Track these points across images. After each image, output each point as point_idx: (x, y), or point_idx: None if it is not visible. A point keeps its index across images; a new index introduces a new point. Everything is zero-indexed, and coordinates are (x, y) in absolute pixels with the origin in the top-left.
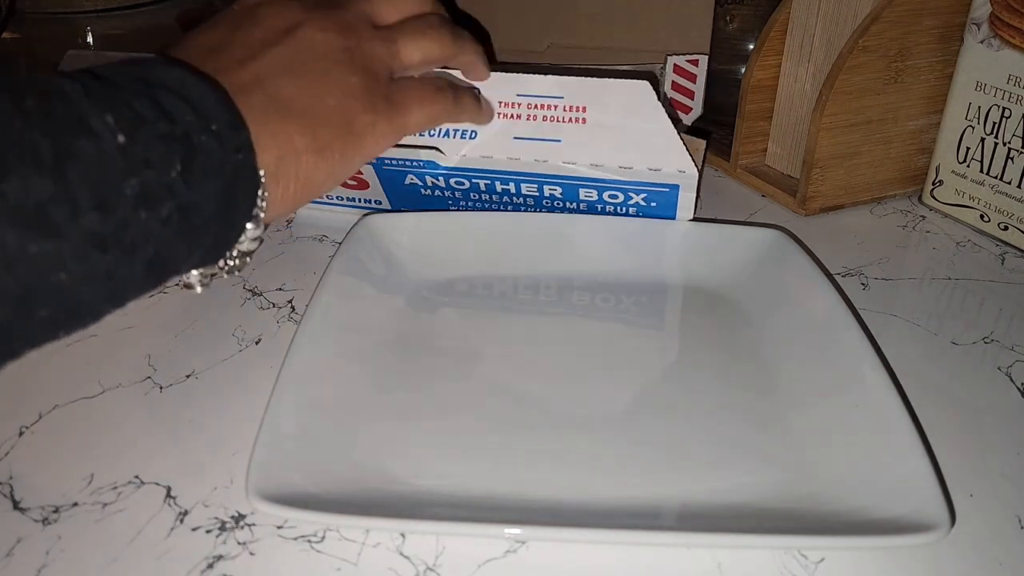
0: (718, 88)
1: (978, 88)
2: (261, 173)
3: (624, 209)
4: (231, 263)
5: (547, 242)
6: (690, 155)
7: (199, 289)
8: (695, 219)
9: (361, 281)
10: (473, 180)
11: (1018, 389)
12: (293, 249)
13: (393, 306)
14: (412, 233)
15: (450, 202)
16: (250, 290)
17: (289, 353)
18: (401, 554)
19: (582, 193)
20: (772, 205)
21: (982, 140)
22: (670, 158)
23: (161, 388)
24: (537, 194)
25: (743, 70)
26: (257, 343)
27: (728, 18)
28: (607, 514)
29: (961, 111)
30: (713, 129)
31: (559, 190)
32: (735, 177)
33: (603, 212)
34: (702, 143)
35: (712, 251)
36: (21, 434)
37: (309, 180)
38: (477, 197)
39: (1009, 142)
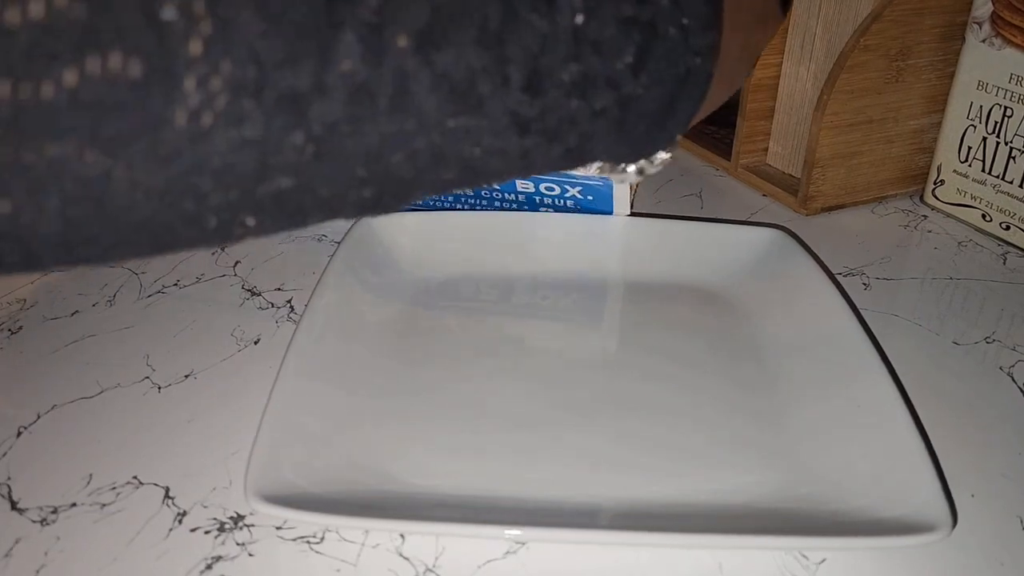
0: None
1: (980, 87)
2: (711, 82)
3: (561, 202)
4: (642, 167)
5: (549, 242)
6: None
7: (637, 178)
8: (698, 219)
9: (360, 281)
10: None
11: (1020, 389)
12: (293, 249)
13: (392, 306)
14: (412, 233)
15: None
16: (249, 290)
17: (288, 353)
18: (401, 555)
19: (519, 185)
20: (773, 205)
21: (984, 139)
22: None
23: (160, 388)
24: None
25: None
26: (256, 343)
27: None
28: (607, 515)
29: (963, 110)
30: (713, 129)
31: None
32: (736, 176)
33: (541, 205)
34: None
35: (713, 250)
36: (20, 434)
37: (731, 86)
38: None
39: (1011, 141)
